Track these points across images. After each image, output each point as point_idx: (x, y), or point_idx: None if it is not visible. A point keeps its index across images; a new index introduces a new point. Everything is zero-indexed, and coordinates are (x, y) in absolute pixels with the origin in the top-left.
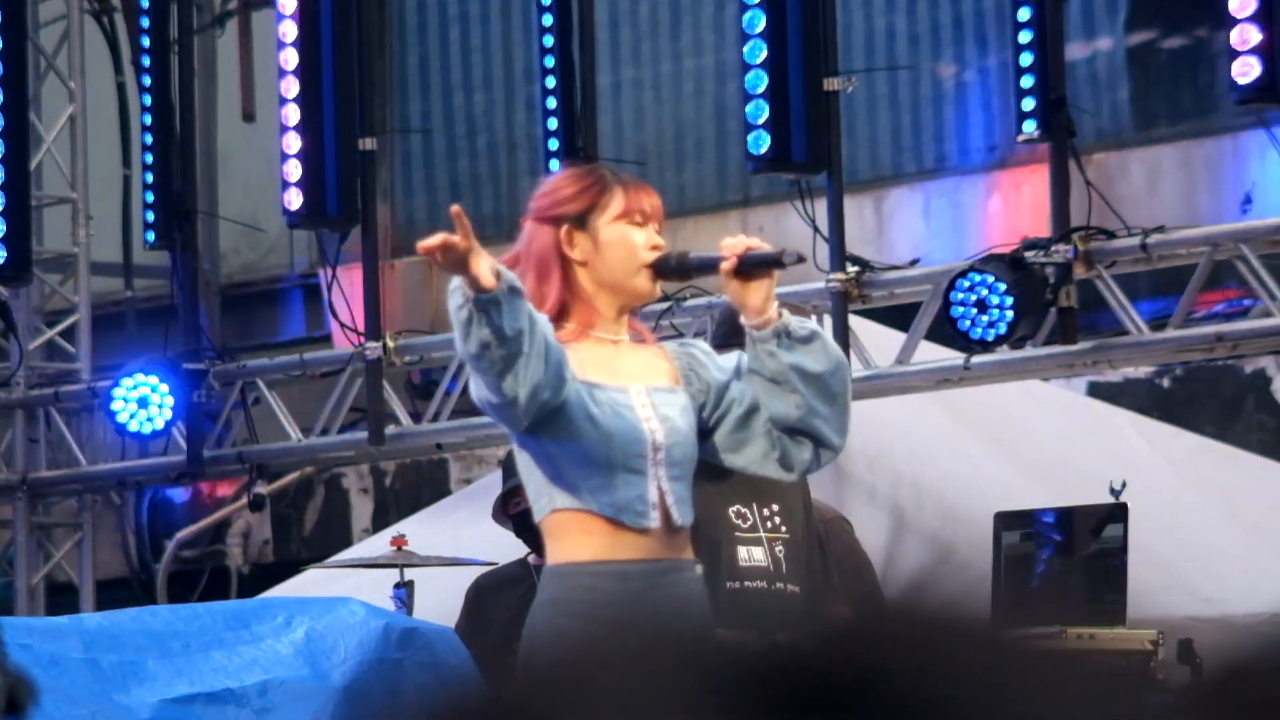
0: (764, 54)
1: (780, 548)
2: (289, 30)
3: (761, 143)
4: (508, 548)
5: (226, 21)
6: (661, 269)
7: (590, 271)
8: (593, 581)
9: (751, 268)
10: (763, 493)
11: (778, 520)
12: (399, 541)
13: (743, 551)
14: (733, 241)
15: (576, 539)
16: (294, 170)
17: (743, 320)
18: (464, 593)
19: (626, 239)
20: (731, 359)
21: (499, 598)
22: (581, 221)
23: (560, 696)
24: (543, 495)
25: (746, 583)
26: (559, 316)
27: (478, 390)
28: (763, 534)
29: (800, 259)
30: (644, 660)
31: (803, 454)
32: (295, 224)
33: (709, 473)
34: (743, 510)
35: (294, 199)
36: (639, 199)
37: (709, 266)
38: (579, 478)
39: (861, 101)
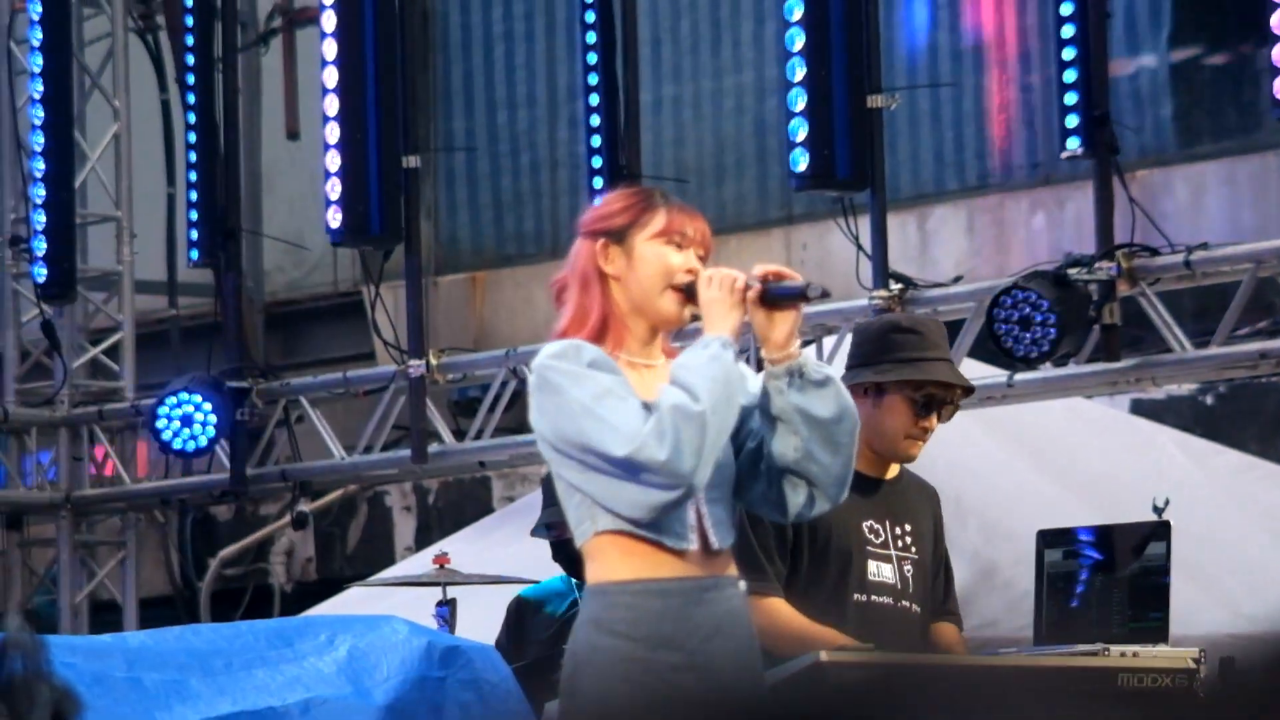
0: (804, 71)
1: (909, 567)
2: (332, 48)
3: (801, 160)
4: (550, 565)
5: (271, 40)
6: (690, 293)
7: (623, 288)
8: (634, 600)
9: (777, 298)
10: (897, 512)
11: (909, 540)
12: (441, 560)
13: (873, 566)
14: (764, 268)
15: (617, 560)
16: (337, 188)
17: (762, 353)
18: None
19: (660, 257)
20: (757, 382)
21: (539, 614)
22: (620, 237)
23: None
24: (585, 519)
25: (874, 597)
26: (600, 334)
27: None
28: (893, 551)
29: (825, 294)
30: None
31: (796, 497)
32: (339, 242)
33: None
34: (876, 526)
35: (337, 217)
36: (682, 221)
37: (776, 298)
38: (623, 499)
39: (904, 118)
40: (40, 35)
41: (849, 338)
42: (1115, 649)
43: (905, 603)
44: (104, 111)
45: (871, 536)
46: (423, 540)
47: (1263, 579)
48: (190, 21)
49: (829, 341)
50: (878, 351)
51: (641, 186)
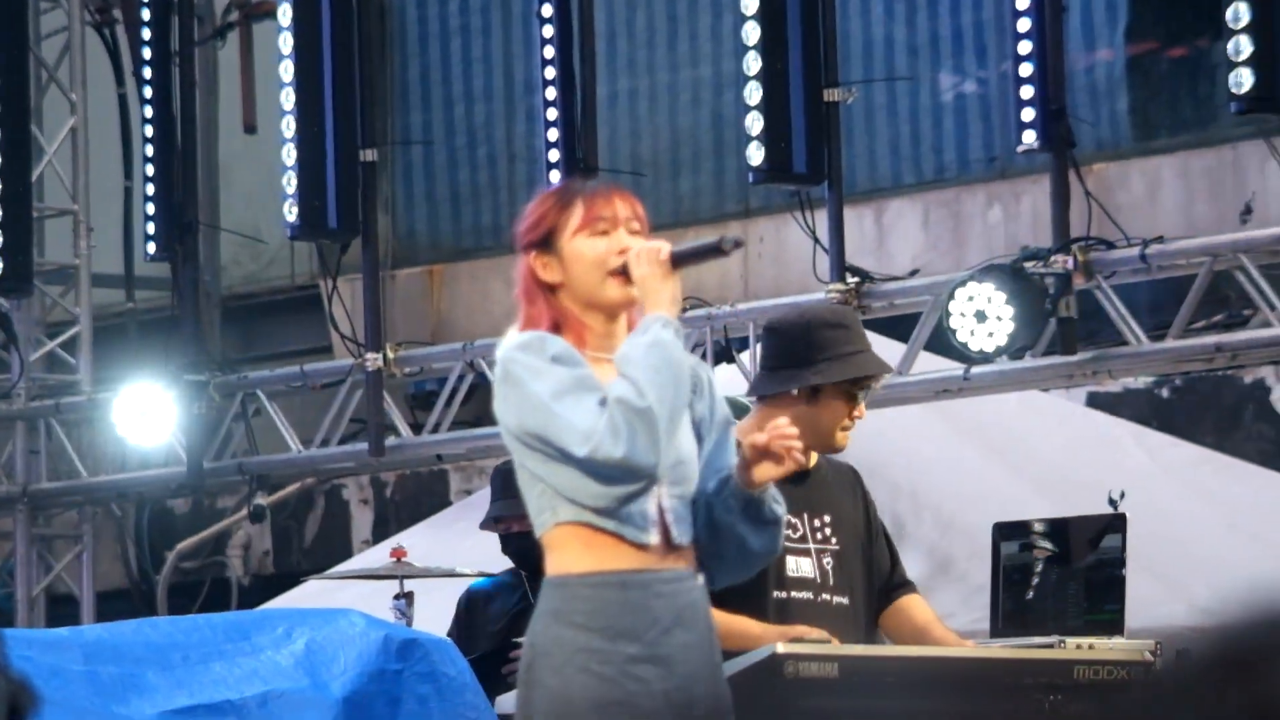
0: (760, 66)
1: (829, 559)
2: (289, 42)
3: (757, 155)
4: (506, 559)
5: (228, 33)
6: (627, 274)
7: (567, 292)
8: (593, 591)
9: (684, 260)
10: (815, 504)
11: (828, 531)
12: (398, 553)
13: (791, 562)
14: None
15: (577, 551)
16: (294, 182)
17: (735, 476)
18: None
19: (588, 251)
20: (722, 404)
21: (490, 606)
22: (548, 243)
23: None
24: (545, 509)
25: (793, 593)
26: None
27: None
28: (811, 545)
29: (739, 244)
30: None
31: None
32: (296, 235)
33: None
34: (794, 521)
35: (295, 210)
36: (598, 207)
37: (687, 259)
38: (583, 490)
39: (860, 112)
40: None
41: None
42: (1071, 641)
43: (827, 595)
44: (61, 105)
45: (789, 532)
46: (380, 534)
47: (1218, 571)
48: (147, 15)
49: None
50: (810, 350)
51: (559, 184)
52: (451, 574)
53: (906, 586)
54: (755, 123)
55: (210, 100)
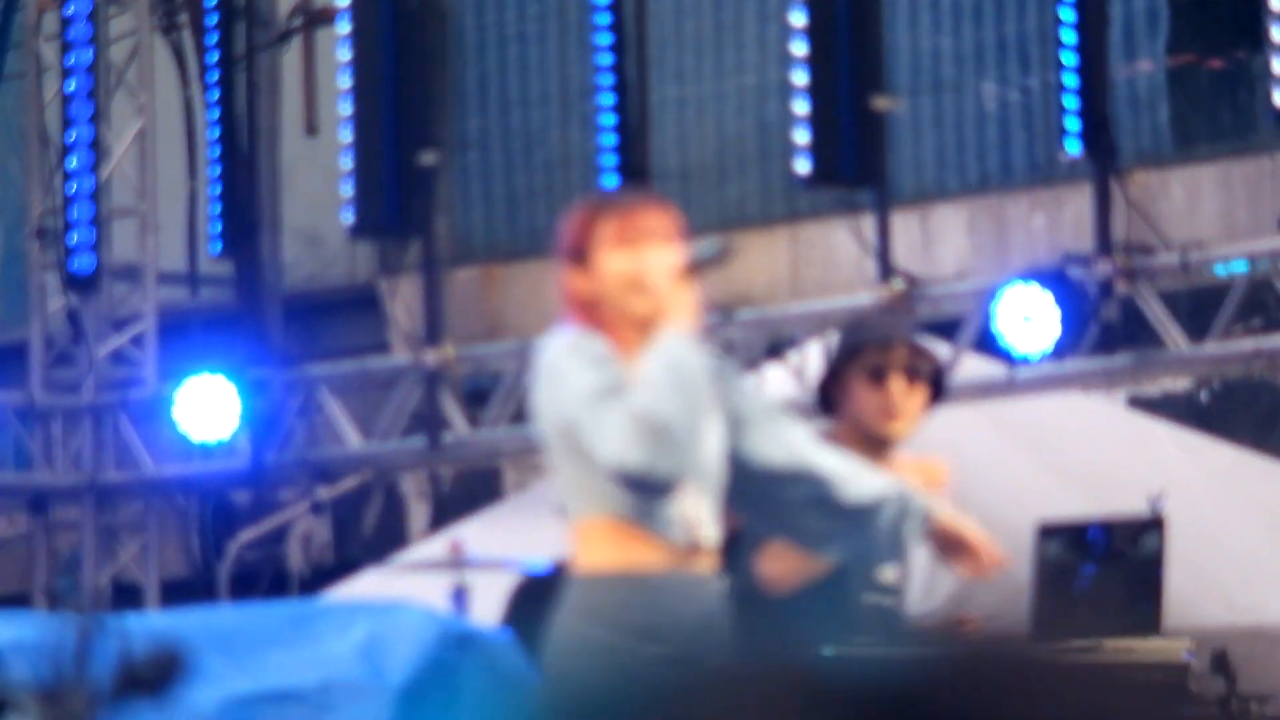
0: (808, 77)
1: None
2: (351, 48)
3: (804, 164)
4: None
5: (291, 38)
6: (649, 287)
7: (605, 305)
8: (614, 589)
9: (697, 269)
10: None
11: None
12: (455, 546)
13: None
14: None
15: (605, 548)
16: (355, 183)
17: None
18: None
19: (623, 265)
20: (753, 394)
21: (541, 599)
22: (582, 257)
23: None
24: (580, 498)
25: (883, 600)
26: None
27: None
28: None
29: (724, 250)
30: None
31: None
32: (356, 236)
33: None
34: None
35: (355, 211)
36: (630, 220)
37: (699, 267)
38: (612, 489)
39: (907, 120)
40: (75, 32)
41: None
42: (1109, 644)
43: (900, 600)
44: (128, 108)
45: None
46: (437, 526)
47: (1256, 572)
48: (213, 21)
49: (834, 337)
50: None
51: (593, 197)
52: (508, 567)
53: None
54: (799, 133)
55: (273, 103)
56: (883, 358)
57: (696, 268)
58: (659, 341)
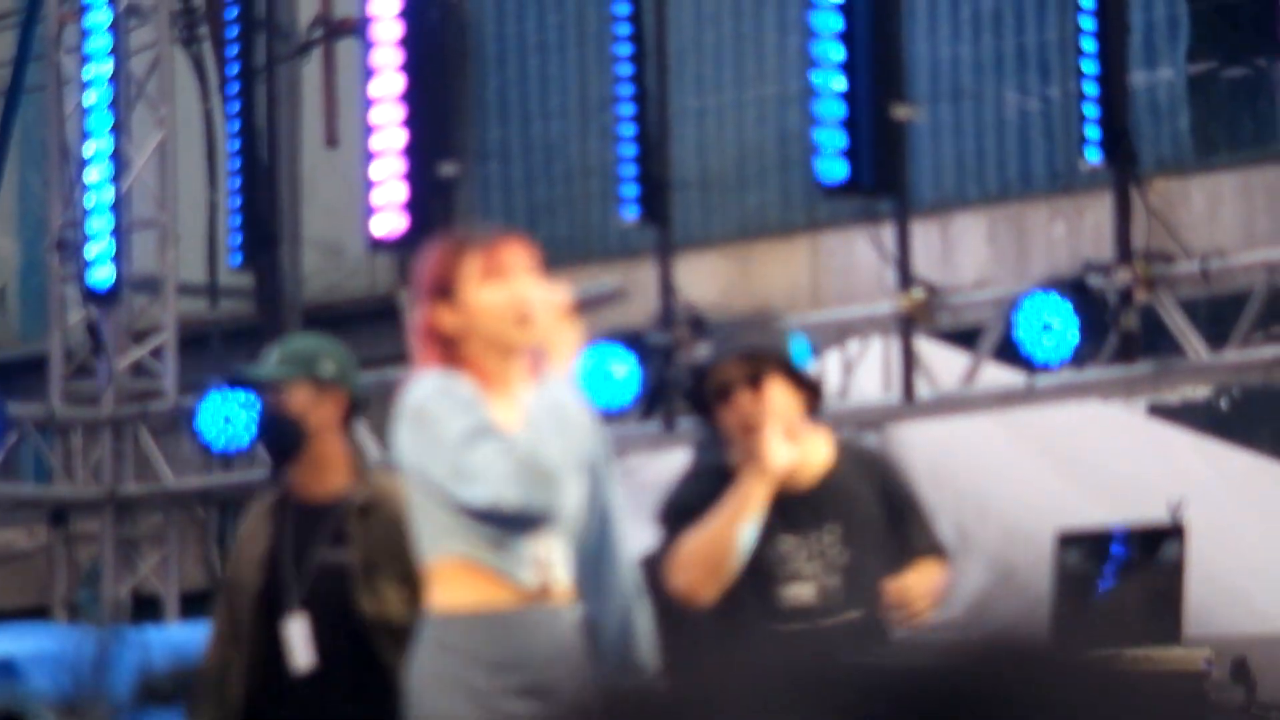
0: (839, 82)
1: (835, 578)
2: (371, 60)
3: (836, 170)
4: None
5: (311, 50)
6: (528, 321)
7: (468, 339)
8: (475, 628)
9: (583, 308)
10: (821, 518)
11: (837, 548)
12: None
13: (789, 592)
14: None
15: (462, 587)
16: (375, 195)
17: None
18: None
19: (490, 302)
20: (600, 444)
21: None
22: (449, 294)
23: None
24: (437, 540)
25: (791, 624)
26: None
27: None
28: (810, 569)
29: (620, 291)
30: None
31: None
32: (376, 247)
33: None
34: (783, 552)
35: (375, 223)
36: (496, 256)
37: (585, 306)
38: (470, 529)
39: (927, 128)
40: (95, 45)
41: (874, 343)
42: (1129, 652)
43: (830, 618)
44: (149, 120)
45: (781, 566)
46: None
47: (1276, 580)
48: (233, 33)
49: (854, 346)
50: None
51: (452, 235)
52: None
53: (922, 553)
54: (830, 140)
55: (293, 115)
56: (721, 376)
57: (587, 306)
58: (544, 383)
